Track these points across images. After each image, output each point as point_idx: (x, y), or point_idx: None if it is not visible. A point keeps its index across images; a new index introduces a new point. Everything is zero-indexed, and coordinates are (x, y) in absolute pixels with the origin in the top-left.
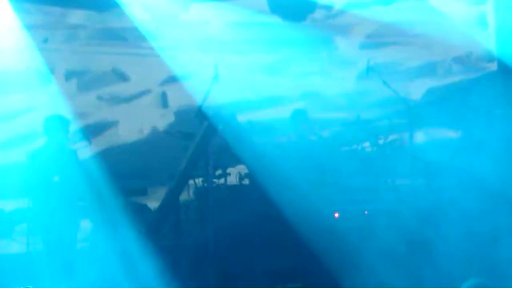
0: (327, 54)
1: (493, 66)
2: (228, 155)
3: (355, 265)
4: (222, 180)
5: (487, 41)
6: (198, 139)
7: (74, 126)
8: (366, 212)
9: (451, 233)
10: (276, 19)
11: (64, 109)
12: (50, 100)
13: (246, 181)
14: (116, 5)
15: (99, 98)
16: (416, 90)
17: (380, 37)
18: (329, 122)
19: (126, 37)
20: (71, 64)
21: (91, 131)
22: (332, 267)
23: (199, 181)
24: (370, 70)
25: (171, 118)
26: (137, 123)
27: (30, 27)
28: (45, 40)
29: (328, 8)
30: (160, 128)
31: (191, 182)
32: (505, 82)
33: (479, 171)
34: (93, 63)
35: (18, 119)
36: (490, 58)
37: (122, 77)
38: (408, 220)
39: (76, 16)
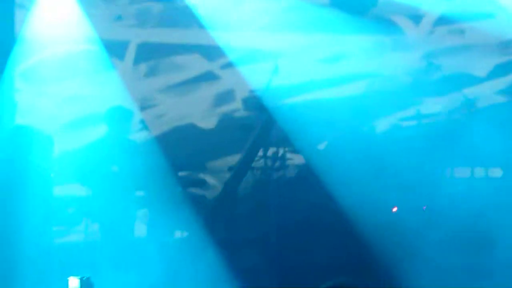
0: (391, 40)
1: None
2: (287, 148)
3: (411, 260)
4: (280, 173)
5: None
6: (257, 131)
7: (136, 116)
8: (424, 207)
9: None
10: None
11: (127, 96)
12: (113, 86)
13: (304, 174)
14: None
15: (160, 86)
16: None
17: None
18: (388, 111)
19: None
20: (137, 48)
21: (151, 120)
22: (388, 262)
23: (257, 173)
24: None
25: (231, 108)
26: (196, 113)
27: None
28: (119, 18)
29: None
30: (220, 120)
31: (249, 174)
32: None
33: None
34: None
35: (82, 103)
36: None
37: (182, 65)
38: (467, 215)
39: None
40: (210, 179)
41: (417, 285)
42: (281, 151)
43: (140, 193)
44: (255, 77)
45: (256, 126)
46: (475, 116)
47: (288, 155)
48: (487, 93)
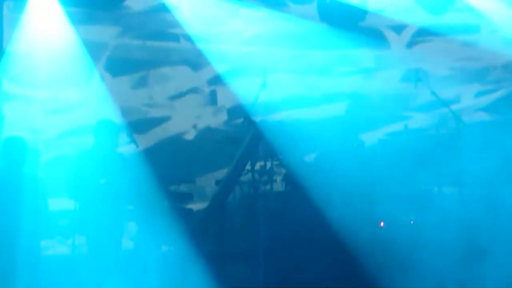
0: (375, 55)
1: None
2: (274, 161)
3: (397, 273)
4: (268, 187)
5: None
6: (245, 145)
7: (123, 130)
8: (412, 222)
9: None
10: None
11: (113, 107)
12: (100, 97)
13: (292, 188)
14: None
15: (148, 97)
16: (465, 95)
17: (429, 41)
18: (375, 125)
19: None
20: (124, 60)
21: (139, 131)
22: (377, 274)
23: (245, 186)
24: (418, 80)
25: (218, 121)
26: (184, 126)
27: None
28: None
29: (378, 13)
30: (207, 133)
31: (237, 188)
32: None
33: None
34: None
35: (71, 114)
36: None
37: (170, 78)
38: (455, 229)
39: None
40: (197, 193)
41: None
42: (268, 165)
43: (128, 207)
44: (244, 91)
45: (244, 139)
46: (462, 131)
47: (276, 169)
48: (472, 109)
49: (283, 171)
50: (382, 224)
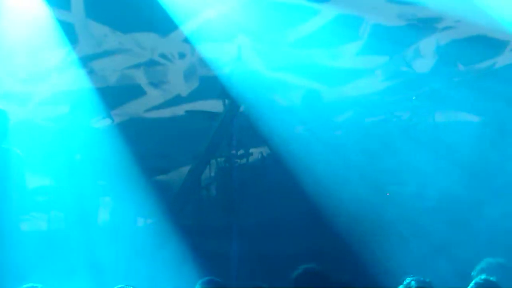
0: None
1: None
2: (250, 135)
3: (374, 244)
4: (244, 160)
5: None
6: (221, 120)
7: (99, 104)
8: (387, 194)
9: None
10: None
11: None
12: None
13: (268, 161)
14: None
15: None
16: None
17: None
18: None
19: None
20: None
21: (114, 105)
22: (351, 247)
23: (221, 160)
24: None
25: (195, 99)
26: (161, 103)
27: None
28: None
29: None
30: (183, 108)
31: (213, 162)
32: None
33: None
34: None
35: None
36: None
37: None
38: (430, 201)
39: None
40: (173, 167)
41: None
42: (244, 139)
43: (103, 182)
44: (219, 63)
45: (220, 114)
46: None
47: (252, 141)
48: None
49: (259, 145)
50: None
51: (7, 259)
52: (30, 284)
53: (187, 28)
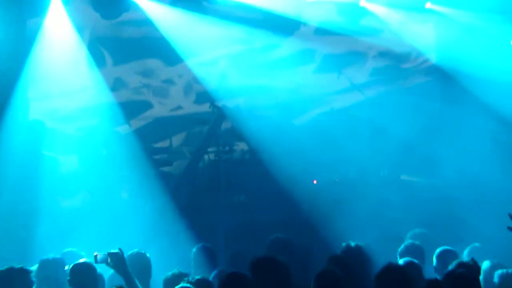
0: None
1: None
2: (233, 136)
3: (327, 217)
4: (229, 155)
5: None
6: (211, 124)
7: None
8: (336, 180)
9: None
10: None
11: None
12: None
13: (247, 156)
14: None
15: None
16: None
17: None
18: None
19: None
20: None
21: (131, 115)
22: (311, 220)
23: (211, 155)
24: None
25: (191, 107)
26: (166, 111)
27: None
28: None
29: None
30: (183, 116)
31: (205, 156)
32: (442, 85)
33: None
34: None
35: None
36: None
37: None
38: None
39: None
40: (175, 161)
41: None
42: (228, 137)
43: (123, 172)
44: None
45: (211, 120)
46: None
47: (234, 141)
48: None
49: (240, 143)
50: (315, 182)
51: (50, 229)
52: (68, 249)
53: (185, 56)
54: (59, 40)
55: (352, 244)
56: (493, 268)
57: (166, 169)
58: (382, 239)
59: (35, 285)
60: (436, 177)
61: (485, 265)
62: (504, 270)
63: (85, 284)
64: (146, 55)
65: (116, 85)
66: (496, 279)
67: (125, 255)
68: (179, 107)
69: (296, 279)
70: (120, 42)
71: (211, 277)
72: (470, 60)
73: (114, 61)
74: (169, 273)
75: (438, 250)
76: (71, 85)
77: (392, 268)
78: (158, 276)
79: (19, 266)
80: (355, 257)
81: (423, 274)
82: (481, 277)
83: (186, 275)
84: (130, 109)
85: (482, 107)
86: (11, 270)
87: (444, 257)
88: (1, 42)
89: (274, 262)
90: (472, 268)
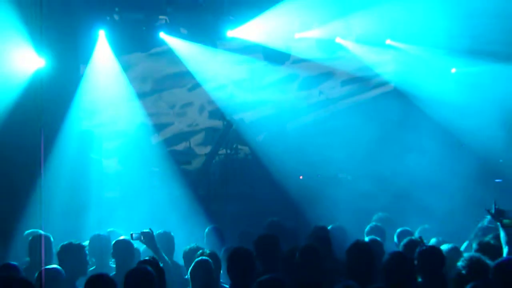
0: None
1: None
2: (238, 141)
3: (310, 204)
4: (235, 156)
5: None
6: (221, 132)
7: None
8: (318, 175)
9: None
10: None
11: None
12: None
13: (249, 156)
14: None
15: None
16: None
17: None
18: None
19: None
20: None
21: (158, 129)
22: (300, 207)
23: (221, 157)
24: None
25: (205, 119)
26: (184, 126)
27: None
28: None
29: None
30: (200, 126)
31: (216, 157)
32: (398, 101)
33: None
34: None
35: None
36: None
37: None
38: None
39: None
40: (194, 160)
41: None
42: (235, 142)
43: (155, 168)
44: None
45: (220, 129)
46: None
47: (239, 146)
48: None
49: (244, 147)
50: (301, 177)
51: (97, 214)
52: (111, 229)
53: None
54: (106, 71)
55: (328, 226)
56: (438, 244)
57: (186, 166)
58: (353, 221)
59: (88, 257)
60: (395, 174)
61: (432, 241)
62: (448, 245)
63: (124, 256)
64: (172, 85)
65: (149, 108)
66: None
67: (154, 234)
68: (195, 122)
69: (285, 252)
70: (152, 75)
71: (221, 253)
72: (420, 83)
73: (148, 92)
74: (187, 247)
75: (398, 230)
76: (117, 107)
77: (359, 244)
78: (179, 249)
79: (77, 242)
80: (328, 236)
81: (384, 248)
82: None
83: (201, 249)
84: (159, 126)
85: (428, 118)
86: (70, 244)
87: (402, 235)
88: (61, 73)
89: (273, 239)
90: (419, 243)
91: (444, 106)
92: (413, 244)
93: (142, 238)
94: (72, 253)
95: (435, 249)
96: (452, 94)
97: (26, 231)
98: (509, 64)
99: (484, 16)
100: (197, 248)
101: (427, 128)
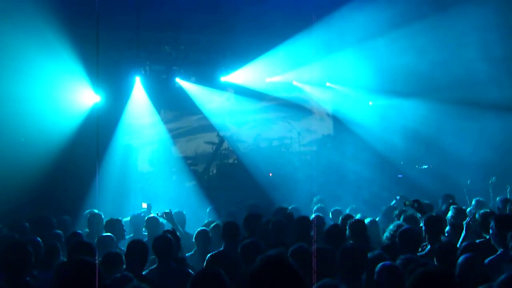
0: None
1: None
2: (228, 151)
3: (277, 191)
4: (226, 161)
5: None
6: (217, 145)
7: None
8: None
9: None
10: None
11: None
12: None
13: (236, 161)
14: None
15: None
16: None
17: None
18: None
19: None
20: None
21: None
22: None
23: (217, 162)
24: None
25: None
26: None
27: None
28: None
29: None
30: (202, 143)
31: (213, 162)
32: (336, 125)
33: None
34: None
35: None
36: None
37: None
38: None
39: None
40: (199, 164)
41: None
42: (227, 153)
43: (173, 168)
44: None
45: (217, 143)
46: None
47: (229, 153)
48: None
49: (233, 155)
50: (270, 174)
51: (133, 198)
52: (143, 209)
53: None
54: (140, 104)
55: (290, 207)
56: (362, 217)
57: (194, 168)
58: (304, 204)
59: (128, 228)
60: (332, 169)
61: (357, 216)
62: (369, 218)
63: (153, 227)
64: (186, 113)
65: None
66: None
67: (172, 213)
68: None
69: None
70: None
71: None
72: (348, 112)
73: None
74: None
75: (332, 209)
76: (148, 128)
77: (305, 218)
78: (190, 222)
79: (115, 218)
80: (290, 213)
81: (325, 222)
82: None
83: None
84: (176, 140)
85: (353, 135)
86: (111, 220)
87: (336, 213)
88: (111, 105)
89: (257, 217)
90: (349, 217)
91: (364, 127)
92: (346, 218)
93: (164, 216)
94: (112, 225)
95: (360, 221)
96: (369, 119)
97: (86, 210)
98: (408, 100)
99: (390, 66)
100: (210, 222)
101: (352, 142)
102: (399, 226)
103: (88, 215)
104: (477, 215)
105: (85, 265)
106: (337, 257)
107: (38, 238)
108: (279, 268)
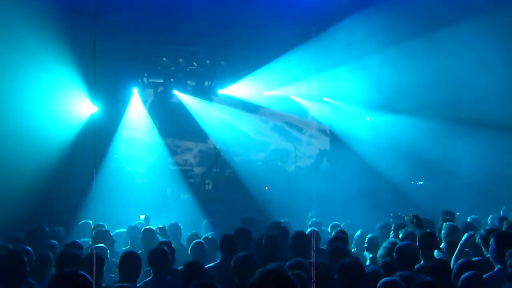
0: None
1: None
2: (223, 164)
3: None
4: (222, 174)
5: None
6: (213, 157)
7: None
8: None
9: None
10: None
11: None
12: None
13: (232, 174)
14: None
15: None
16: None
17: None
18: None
19: None
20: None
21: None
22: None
23: (214, 174)
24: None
25: (204, 149)
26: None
27: None
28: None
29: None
30: (199, 156)
31: (210, 174)
32: (332, 139)
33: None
34: None
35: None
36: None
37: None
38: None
39: None
40: (196, 177)
41: None
42: (223, 164)
43: (168, 180)
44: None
45: (214, 155)
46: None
47: (225, 166)
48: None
49: (228, 167)
50: (266, 188)
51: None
52: (139, 221)
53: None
54: (137, 115)
55: (282, 220)
56: (363, 234)
57: (190, 180)
58: (299, 218)
59: (123, 242)
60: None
61: (357, 233)
62: (370, 235)
63: (149, 240)
64: (180, 126)
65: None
66: (366, 240)
67: (167, 225)
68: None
69: (255, 240)
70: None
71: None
72: (345, 127)
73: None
74: (188, 234)
75: (331, 224)
76: (144, 139)
77: (300, 234)
78: (185, 235)
79: (104, 229)
80: (285, 227)
81: (320, 236)
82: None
83: (198, 236)
84: (173, 152)
85: (349, 149)
86: (99, 231)
87: (334, 227)
88: (108, 115)
89: (247, 231)
90: (344, 232)
91: (361, 142)
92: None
93: (158, 231)
94: (101, 236)
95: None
96: (366, 134)
97: (81, 221)
98: (402, 115)
99: (386, 83)
100: (195, 234)
101: (349, 156)
102: (393, 243)
103: (95, 230)
104: (482, 231)
105: (80, 277)
106: (335, 273)
107: (29, 248)
108: (279, 281)
